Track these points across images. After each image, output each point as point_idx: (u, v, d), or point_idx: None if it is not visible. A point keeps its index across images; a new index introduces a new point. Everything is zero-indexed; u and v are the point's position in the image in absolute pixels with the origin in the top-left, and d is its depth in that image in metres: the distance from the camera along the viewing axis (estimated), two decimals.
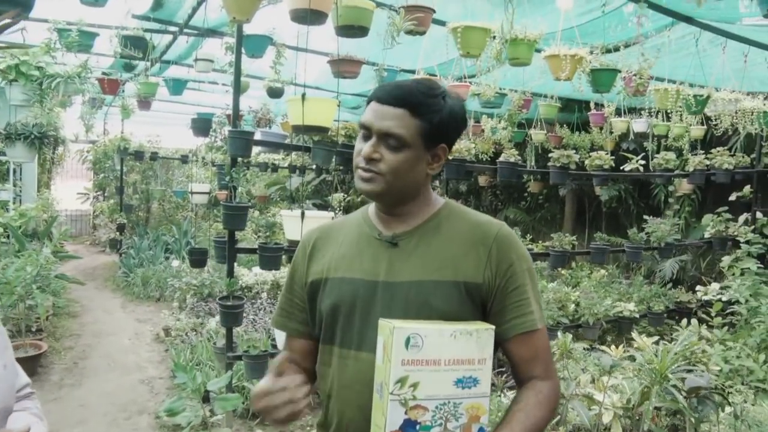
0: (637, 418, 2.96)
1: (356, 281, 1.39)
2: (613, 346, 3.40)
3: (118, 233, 9.85)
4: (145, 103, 6.60)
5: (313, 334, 1.50)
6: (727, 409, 3.13)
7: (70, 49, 4.27)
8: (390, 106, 1.33)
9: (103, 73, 6.00)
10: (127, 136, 9.29)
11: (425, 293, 1.33)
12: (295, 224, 3.32)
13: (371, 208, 1.50)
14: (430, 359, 1.21)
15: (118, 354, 5.94)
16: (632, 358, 3.27)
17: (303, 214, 3.28)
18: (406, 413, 1.20)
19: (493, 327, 1.28)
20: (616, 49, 4.13)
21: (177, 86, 6.09)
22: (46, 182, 11.52)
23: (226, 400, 3.42)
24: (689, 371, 3.03)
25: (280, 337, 3.72)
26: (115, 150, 9.63)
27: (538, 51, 3.87)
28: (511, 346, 1.36)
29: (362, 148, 1.36)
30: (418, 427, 1.20)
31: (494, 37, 3.55)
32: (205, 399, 4.08)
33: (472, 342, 1.24)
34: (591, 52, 3.72)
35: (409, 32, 3.13)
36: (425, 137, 1.34)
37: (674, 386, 2.81)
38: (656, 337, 3.54)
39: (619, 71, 3.89)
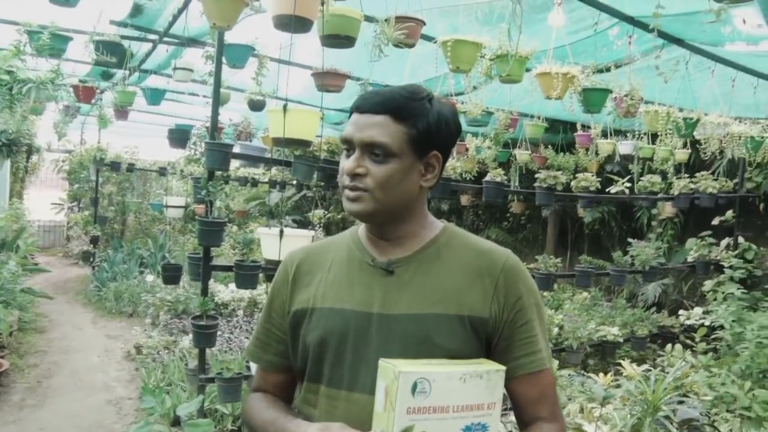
0: None
1: (347, 312, 1.24)
2: (601, 374, 3.30)
3: (91, 245, 9.59)
4: (122, 112, 6.41)
5: (291, 367, 1.35)
6: None
7: (41, 53, 4.08)
8: (370, 114, 1.21)
9: (80, 81, 5.81)
10: (103, 146, 9.06)
11: (426, 328, 1.19)
12: (273, 243, 3.16)
13: (361, 229, 1.35)
14: (437, 406, 1.07)
15: (86, 372, 5.69)
16: (618, 386, 3.17)
17: (282, 232, 3.13)
18: None
19: (504, 368, 1.16)
20: (607, 70, 4.07)
21: (155, 96, 5.92)
22: (18, 191, 11.21)
23: (197, 426, 3.21)
24: (681, 402, 2.94)
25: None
26: (92, 160, 9.40)
27: (528, 70, 3.80)
28: (517, 386, 1.23)
29: (345, 165, 1.23)
30: None
31: (483, 56, 3.47)
32: (175, 422, 3.88)
33: (482, 385, 1.11)
34: (583, 71, 3.64)
35: (398, 45, 3.02)
36: (413, 144, 1.21)
37: (666, 417, 2.71)
38: (645, 365, 3.45)
39: (611, 91, 3.82)
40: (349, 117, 1.26)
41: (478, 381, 1.11)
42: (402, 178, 1.22)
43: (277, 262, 3.18)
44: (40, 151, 11.88)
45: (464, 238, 1.32)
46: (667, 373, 3.20)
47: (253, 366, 3.68)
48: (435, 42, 3.50)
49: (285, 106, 2.98)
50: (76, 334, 7.02)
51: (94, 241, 9.53)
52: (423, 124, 1.21)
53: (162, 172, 10.38)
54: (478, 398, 1.11)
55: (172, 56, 5.47)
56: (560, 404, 1.33)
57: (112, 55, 4.10)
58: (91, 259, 9.56)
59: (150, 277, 8.28)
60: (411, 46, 3.15)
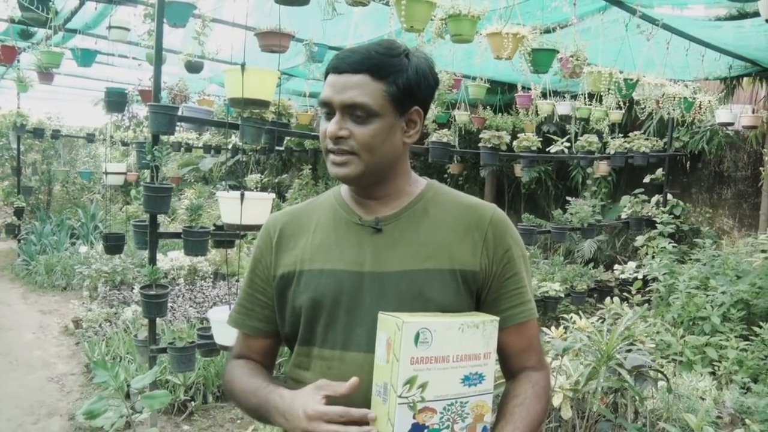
0: (582, 398, 2.97)
1: (338, 273, 1.22)
2: (553, 328, 3.41)
3: (15, 218, 9.07)
4: (47, 75, 6.01)
5: (276, 332, 1.33)
6: (659, 383, 3.22)
7: None
8: (348, 73, 1.17)
9: None
10: (24, 111, 8.51)
11: (419, 283, 1.19)
12: (234, 206, 3.07)
13: (344, 189, 1.33)
14: (439, 356, 1.09)
15: (21, 350, 5.44)
16: (566, 339, 3.30)
17: (243, 195, 3.04)
18: (414, 417, 1.07)
19: (498, 318, 1.18)
20: (553, 30, 4.13)
21: (86, 56, 5.57)
22: None
23: (153, 398, 3.13)
24: (629, 350, 3.08)
25: (218, 328, 3.47)
26: (10, 127, 8.83)
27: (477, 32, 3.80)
28: (506, 336, 1.25)
29: (326, 128, 1.20)
30: (426, 431, 1.08)
31: (434, 16, 3.43)
32: (126, 396, 3.78)
33: (478, 335, 1.14)
34: (531, 32, 3.67)
35: (353, 3, 2.95)
36: (394, 102, 1.18)
37: (619, 365, 2.85)
38: (594, 317, 3.60)
39: (557, 51, 3.88)
40: (325, 78, 1.22)
41: (474, 331, 1.13)
42: (386, 137, 1.20)
43: (238, 227, 3.11)
44: None
45: (450, 193, 1.33)
46: (614, 324, 3.35)
47: (217, 332, 3.61)
48: (387, 2, 3.44)
49: (243, 65, 2.87)
50: (5, 311, 6.69)
51: (19, 213, 9.01)
52: (403, 81, 1.18)
53: (90, 138, 9.91)
54: (475, 348, 1.13)
55: (101, 15, 5.16)
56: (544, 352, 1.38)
57: (40, 9, 3.80)
58: (16, 232, 9.06)
59: (83, 248, 7.95)
60: (365, 4, 3.08)
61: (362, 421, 1.09)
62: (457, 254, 1.22)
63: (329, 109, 1.20)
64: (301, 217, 1.34)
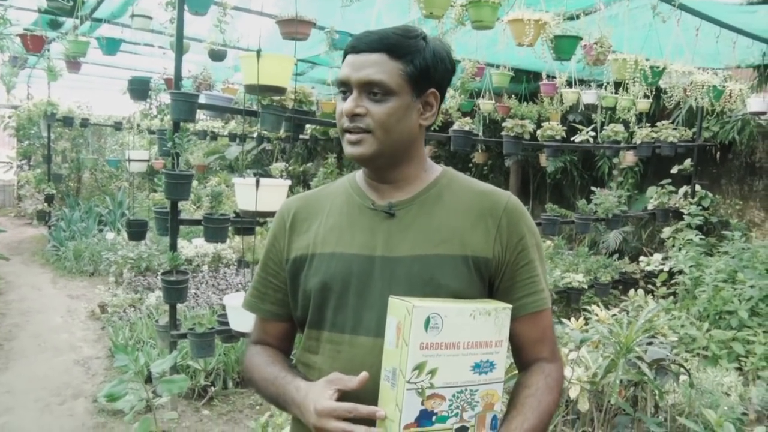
0: (601, 390, 2.93)
1: (349, 256, 1.22)
2: (572, 319, 3.37)
3: (46, 204, 9.25)
4: (74, 64, 6.10)
5: (291, 316, 1.34)
6: (681, 377, 3.16)
7: None
8: (366, 53, 1.18)
9: (26, 30, 5.49)
10: (54, 100, 8.66)
11: (430, 269, 1.18)
12: (250, 193, 3.08)
13: (358, 174, 1.33)
14: (449, 342, 1.08)
15: (50, 333, 5.57)
16: (587, 330, 3.25)
17: (258, 181, 3.05)
18: (422, 403, 1.06)
19: (510, 306, 1.16)
20: (577, 17, 4.04)
21: (111, 45, 5.63)
22: None
23: (173, 382, 3.18)
24: (650, 343, 3.03)
25: (233, 314, 3.50)
26: (42, 115, 8.98)
27: (498, 18, 3.74)
28: (519, 326, 1.23)
29: (343, 107, 1.20)
30: (434, 418, 1.07)
31: (454, 3, 3.39)
32: (148, 380, 3.84)
33: (490, 322, 1.12)
34: (554, 18, 3.61)
35: None
36: (411, 81, 1.19)
37: (639, 358, 2.80)
38: (615, 310, 3.54)
39: (581, 38, 3.80)
40: (343, 59, 1.23)
41: (486, 318, 1.11)
42: (402, 116, 1.20)
43: (253, 213, 3.13)
44: None
45: (464, 180, 1.32)
46: (636, 316, 3.30)
47: (233, 319, 3.64)
48: None
49: (258, 51, 2.87)
50: (35, 295, 6.85)
51: (49, 199, 9.19)
52: (420, 61, 1.19)
53: (117, 126, 10.04)
54: (486, 335, 1.12)
55: (126, 3, 5.21)
56: (558, 344, 1.35)
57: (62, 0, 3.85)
58: (47, 219, 9.24)
59: (110, 235, 8.09)
60: None
61: (370, 418, 1.08)
62: (469, 240, 1.21)
63: (347, 87, 1.21)
64: (315, 201, 1.35)
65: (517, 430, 1.14)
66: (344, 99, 1.22)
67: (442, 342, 1.07)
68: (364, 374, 1.12)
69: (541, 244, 1.31)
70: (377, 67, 1.17)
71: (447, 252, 1.19)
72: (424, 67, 1.20)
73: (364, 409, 1.08)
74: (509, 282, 1.23)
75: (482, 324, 1.11)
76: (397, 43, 1.18)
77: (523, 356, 1.28)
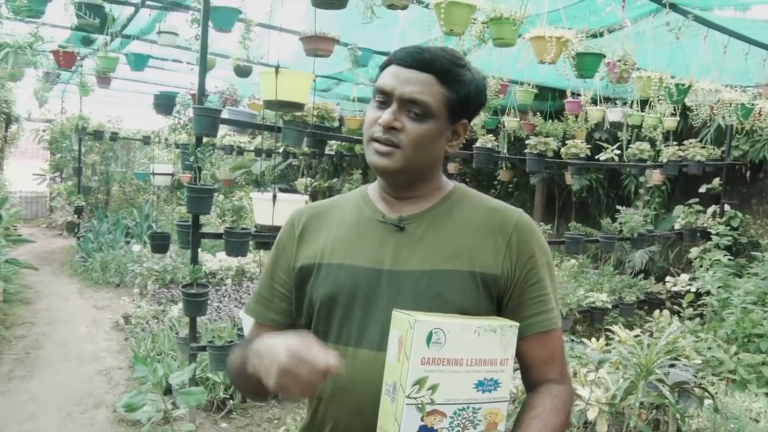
0: (621, 412, 2.87)
1: (356, 268, 1.22)
2: (593, 339, 3.31)
3: (75, 216, 9.46)
4: (104, 79, 6.26)
5: (292, 325, 1.32)
6: (706, 401, 3.08)
7: (19, 14, 3.93)
8: (415, 70, 1.17)
9: (59, 46, 5.65)
10: (85, 115, 8.88)
11: (437, 284, 1.17)
12: (266, 207, 3.11)
13: (371, 188, 1.33)
14: (451, 358, 1.06)
15: (74, 343, 5.65)
16: (609, 351, 3.19)
17: (275, 196, 3.08)
18: (422, 419, 1.04)
19: (517, 324, 1.14)
20: (600, 35, 4.02)
21: (139, 61, 5.77)
22: None
23: (190, 394, 3.20)
24: (672, 365, 2.96)
25: (248, 326, 3.52)
26: (73, 129, 9.21)
27: (520, 35, 3.74)
28: (527, 345, 1.21)
29: (378, 116, 1.19)
30: None
31: (475, 20, 3.40)
32: (167, 391, 3.87)
33: (495, 340, 1.10)
34: (576, 36, 3.59)
35: (390, 6, 2.95)
36: (450, 109, 1.19)
37: (660, 381, 2.74)
38: (636, 331, 3.48)
39: (604, 56, 3.78)
40: (383, 68, 1.23)
41: (492, 335, 1.10)
42: (433, 140, 1.20)
43: (270, 227, 3.15)
44: (19, 121, 11.65)
45: (476, 196, 1.31)
46: (659, 337, 3.23)
47: (247, 329, 3.66)
48: (427, 6, 3.42)
49: (277, 68, 2.91)
50: (62, 305, 6.97)
51: (79, 211, 9.39)
52: (464, 92, 1.20)
53: (146, 140, 10.24)
54: (491, 353, 1.10)
55: (155, 20, 5.33)
56: (568, 366, 1.32)
57: (93, 17, 3.96)
58: (76, 230, 9.44)
59: (136, 247, 8.21)
60: (404, 7, 3.08)
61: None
62: (478, 257, 1.20)
63: (386, 98, 1.20)
64: (325, 211, 1.35)
65: None
66: (380, 108, 1.21)
67: (445, 358, 1.05)
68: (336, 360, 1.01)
69: (552, 262, 1.29)
70: (424, 87, 1.17)
71: (455, 268, 1.18)
72: (466, 98, 1.20)
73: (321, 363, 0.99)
74: (518, 300, 1.21)
75: (487, 341, 1.09)
76: (449, 70, 1.18)
77: (531, 377, 1.25)
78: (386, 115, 1.18)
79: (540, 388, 1.23)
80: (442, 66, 1.18)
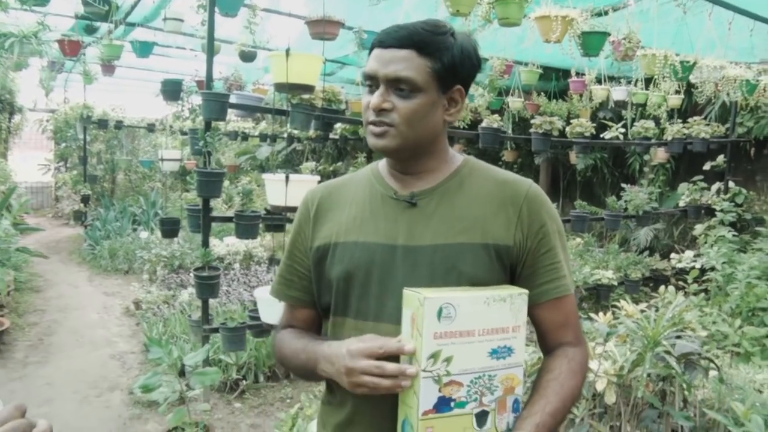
0: (628, 384, 2.92)
1: (372, 245, 1.25)
2: (600, 314, 3.36)
3: (82, 205, 9.53)
4: (108, 67, 6.27)
5: (317, 303, 1.37)
6: (711, 373, 3.13)
7: (25, 2, 3.94)
8: (394, 48, 1.19)
9: (63, 35, 5.66)
10: (90, 103, 8.90)
11: (452, 257, 1.20)
12: (279, 188, 3.15)
13: (381, 164, 1.36)
14: (463, 330, 1.10)
15: (86, 329, 5.73)
16: (615, 325, 3.24)
17: (288, 177, 3.12)
18: (440, 390, 1.10)
19: (527, 291, 1.18)
20: (605, 13, 4.03)
21: (144, 48, 5.78)
22: (2, 152, 11.04)
23: (205, 374, 3.28)
24: (678, 337, 3.01)
25: (263, 307, 3.58)
26: (77, 118, 9.25)
27: (525, 15, 3.75)
28: (541, 312, 1.25)
29: (370, 100, 1.22)
30: (452, 404, 1.11)
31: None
32: (181, 373, 3.94)
33: (505, 308, 1.14)
34: (581, 15, 3.60)
35: None
36: (438, 79, 1.20)
37: (667, 352, 2.78)
38: (644, 304, 3.52)
39: (609, 34, 3.79)
40: (370, 52, 1.25)
41: (501, 304, 1.13)
42: (427, 112, 1.22)
43: (283, 208, 3.20)
44: (23, 111, 11.68)
45: (485, 168, 1.33)
46: (665, 312, 3.27)
47: (263, 311, 3.72)
48: None
49: (287, 50, 2.93)
50: (73, 292, 7.05)
51: (85, 200, 9.45)
52: (448, 58, 1.20)
53: (150, 128, 10.26)
54: (502, 322, 1.14)
55: (159, 7, 5.33)
56: (582, 329, 1.36)
57: (102, 4, 3.97)
58: (83, 219, 9.51)
59: (144, 234, 8.27)
60: None
61: (399, 353, 1.11)
62: (490, 228, 1.22)
63: (373, 82, 1.22)
64: (338, 190, 1.37)
65: (539, 413, 1.15)
66: (370, 93, 1.23)
67: (456, 330, 1.10)
68: (396, 340, 1.13)
69: (563, 231, 1.31)
70: (405, 63, 1.18)
71: (468, 240, 1.21)
72: (452, 64, 1.20)
73: (392, 345, 1.12)
74: (531, 269, 1.24)
75: (497, 310, 1.13)
76: (426, 40, 1.18)
77: (547, 342, 1.29)
78: (375, 99, 1.20)
79: (556, 351, 1.27)
80: (420, 38, 1.18)
